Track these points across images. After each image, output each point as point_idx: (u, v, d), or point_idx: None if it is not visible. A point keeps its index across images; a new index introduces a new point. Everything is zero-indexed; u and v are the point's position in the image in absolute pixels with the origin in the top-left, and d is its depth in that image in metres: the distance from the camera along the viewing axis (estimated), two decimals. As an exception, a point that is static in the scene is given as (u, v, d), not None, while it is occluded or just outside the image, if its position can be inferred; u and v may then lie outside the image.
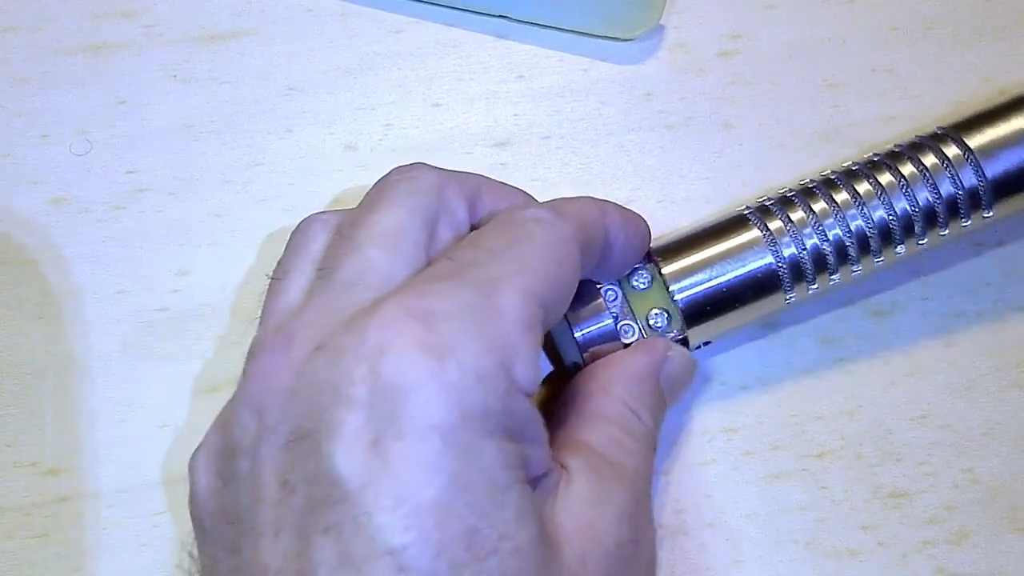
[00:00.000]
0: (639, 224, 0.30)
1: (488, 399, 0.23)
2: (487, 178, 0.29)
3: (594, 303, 0.30)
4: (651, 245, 0.31)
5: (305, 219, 0.29)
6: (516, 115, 0.36)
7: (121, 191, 0.34)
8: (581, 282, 0.29)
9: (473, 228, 0.28)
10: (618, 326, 0.30)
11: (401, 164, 0.28)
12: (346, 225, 0.27)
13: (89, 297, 0.33)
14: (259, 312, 0.33)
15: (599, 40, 0.37)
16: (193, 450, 0.26)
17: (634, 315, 0.30)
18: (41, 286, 0.33)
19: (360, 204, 0.28)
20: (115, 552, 0.30)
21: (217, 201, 0.34)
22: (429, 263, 0.26)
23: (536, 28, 0.37)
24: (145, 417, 0.31)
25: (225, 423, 0.25)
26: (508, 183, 0.30)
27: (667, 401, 0.30)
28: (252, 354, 0.26)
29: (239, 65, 0.36)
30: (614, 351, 0.30)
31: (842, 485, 0.31)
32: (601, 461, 0.27)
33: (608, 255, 0.29)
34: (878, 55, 0.37)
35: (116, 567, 0.30)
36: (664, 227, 0.34)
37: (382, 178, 0.28)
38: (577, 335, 0.30)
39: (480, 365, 0.23)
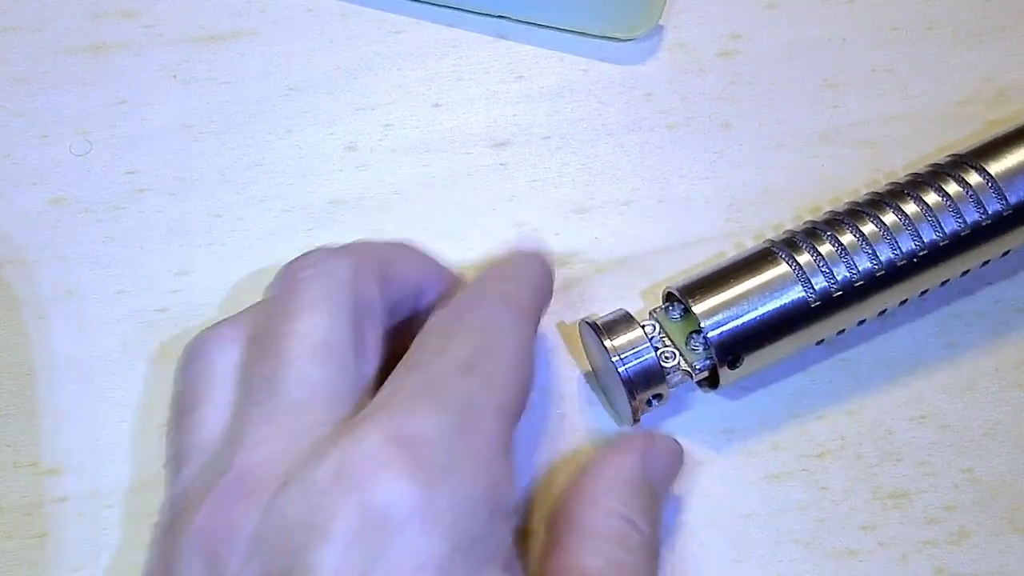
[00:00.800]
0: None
1: (476, 526, 0.22)
2: (394, 246, 0.29)
3: (634, 334, 0.29)
4: (679, 284, 0.30)
5: (193, 342, 0.27)
6: (516, 115, 0.36)
7: (121, 191, 0.34)
8: (621, 317, 0.29)
9: (389, 307, 0.27)
10: (658, 354, 0.29)
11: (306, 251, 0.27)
12: (264, 337, 0.25)
13: (89, 297, 0.33)
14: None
15: (599, 40, 0.37)
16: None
17: (673, 343, 0.29)
18: (41, 286, 0.33)
19: (266, 303, 0.26)
20: (115, 552, 0.30)
21: (217, 201, 0.34)
22: (359, 370, 0.25)
23: (536, 28, 0.37)
24: (145, 417, 0.31)
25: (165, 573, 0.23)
26: (410, 246, 0.29)
27: (661, 495, 0.28)
28: (190, 500, 0.23)
29: (239, 65, 0.36)
30: (660, 386, 0.29)
31: (842, 485, 0.30)
32: None
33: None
34: (878, 55, 0.37)
35: (116, 567, 0.30)
36: (664, 227, 0.34)
37: (286, 268, 0.26)
38: (620, 370, 0.29)
39: (468, 491, 0.22)
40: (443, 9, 0.37)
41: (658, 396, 0.29)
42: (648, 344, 0.29)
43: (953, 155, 0.31)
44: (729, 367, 0.29)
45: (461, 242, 0.33)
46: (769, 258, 0.30)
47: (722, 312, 0.29)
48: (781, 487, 0.31)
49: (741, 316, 0.29)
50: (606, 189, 0.35)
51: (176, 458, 0.25)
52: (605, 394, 0.31)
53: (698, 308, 0.29)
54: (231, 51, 0.37)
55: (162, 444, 0.31)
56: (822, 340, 0.30)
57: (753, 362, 0.29)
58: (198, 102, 0.36)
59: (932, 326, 0.32)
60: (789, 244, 0.30)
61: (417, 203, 0.34)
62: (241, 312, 0.27)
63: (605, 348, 0.29)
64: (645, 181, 0.35)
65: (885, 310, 0.30)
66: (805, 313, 0.29)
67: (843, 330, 0.30)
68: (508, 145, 0.35)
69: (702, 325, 0.29)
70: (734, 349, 0.29)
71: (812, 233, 0.30)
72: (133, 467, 0.31)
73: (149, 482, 0.31)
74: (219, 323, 0.27)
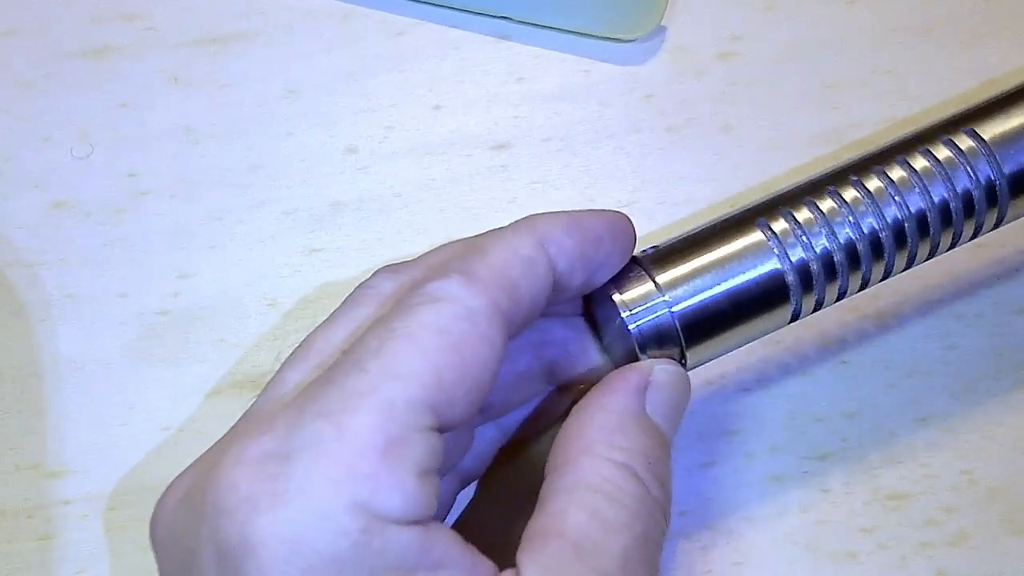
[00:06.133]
0: (605, 228, 0.25)
1: (338, 544, 0.20)
2: (462, 248, 0.25)
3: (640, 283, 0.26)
4: (643, 252, 0.27)
5: None
6: (516, 117, 0.36)
7: (122, 194, 0.35)
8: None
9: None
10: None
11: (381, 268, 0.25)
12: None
13: (91, 300, 0.33)
14: (259, 313, 0.33)
15: (600, 41, 0.37)
16: (193, 451, 0.26)
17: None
18: (43, 289, 0.33)
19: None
20: (117, 555, 0.30)
21: (218, 204, 0.34)
22: None
23: (537, 29, 0.37)
24: (147, 420, 0.32)
25: None
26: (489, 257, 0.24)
27: (668, 434, 0.25)
28: None
29: (240, 68, 0.36)
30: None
31: (842, 487, 0.31)
32: (569, 554, 0.21)
33: (568, 283, 0.25)
34: (878, 56, 0.37)
35: (118, 570, 0.30)
36: (664, 229, 0.34)
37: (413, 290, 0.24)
38: (632, 326, 0.25)
39: (325, 508, 0.20)
40: (444, 10, 0.37)
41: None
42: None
43: (944, 119, 0.28)
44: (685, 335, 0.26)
45: (461, 244, 0.33)
46: (743, 225, 0.27)
47: (688, 283, 0.26)
48: (781, 489, 0.31)
49: (710, 289, 0.26)
50: (606, 191, 0.35)
51: None
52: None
53: (662, 278, 0.26)
54: (232, 54, 0.37)
55: (164, 447, 0.31)
56: (798, 311, 0.27)
57: (723, 341, 0.27)
58: (199, 105, 0.36)
59: (932, 328, 0.32)
60: (765, 210, 0.27)
61: (418, 205, 0.34)
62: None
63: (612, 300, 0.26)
64: (645, 183, 0.35)
65: (867, 283, 0.27)
66: (780, 286, 0.26)
67: (819, 305, 0.27)
68: (508, 147, 0.35)
69: (666, 296, 0.26)
70: (704, 325, 0.26)
71: (790, 199, 0.27)
72: (135, 470, 0.31)
73: (150, 485, 0.31)
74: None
